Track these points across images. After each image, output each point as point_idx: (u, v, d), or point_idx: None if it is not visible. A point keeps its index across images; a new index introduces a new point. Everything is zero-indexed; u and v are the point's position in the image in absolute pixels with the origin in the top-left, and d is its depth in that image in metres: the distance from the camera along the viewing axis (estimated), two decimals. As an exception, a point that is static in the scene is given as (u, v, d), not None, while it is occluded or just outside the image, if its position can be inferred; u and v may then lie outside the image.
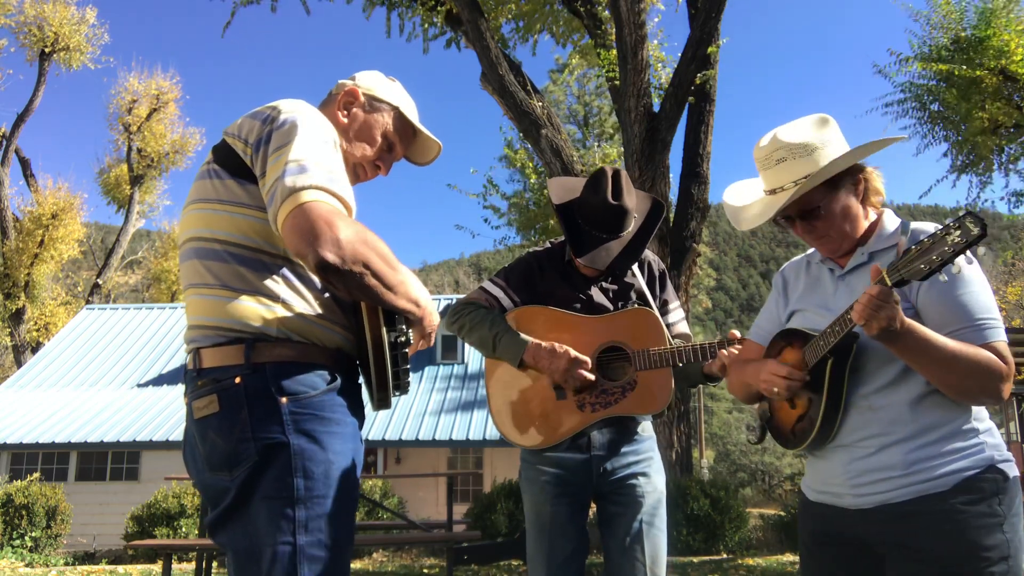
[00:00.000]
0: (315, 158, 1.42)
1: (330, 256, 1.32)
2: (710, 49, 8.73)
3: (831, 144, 1.71)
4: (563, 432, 2.32)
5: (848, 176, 1.72)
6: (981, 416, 1.62)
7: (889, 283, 1.44)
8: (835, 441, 1.70)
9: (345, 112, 1.70)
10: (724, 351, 2.19)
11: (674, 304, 2.54)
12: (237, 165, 1.51)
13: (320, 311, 1.51)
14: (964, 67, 8.03)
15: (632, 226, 2.41)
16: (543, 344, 2.30)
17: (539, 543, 2.32)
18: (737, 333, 2.23)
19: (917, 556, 1.55)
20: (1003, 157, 9.11)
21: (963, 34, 8.34)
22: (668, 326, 2.46)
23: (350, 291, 1.39)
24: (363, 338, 1.48)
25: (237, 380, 1.42)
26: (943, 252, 1.35)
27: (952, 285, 1.57)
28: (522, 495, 2.44)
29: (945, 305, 1.58)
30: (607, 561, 2.33)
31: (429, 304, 1.54)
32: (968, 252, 1.35)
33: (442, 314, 2.90)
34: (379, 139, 1.73)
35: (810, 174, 1.67)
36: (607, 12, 9.80)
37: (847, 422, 1.67)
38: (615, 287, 2.45)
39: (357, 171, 1.73)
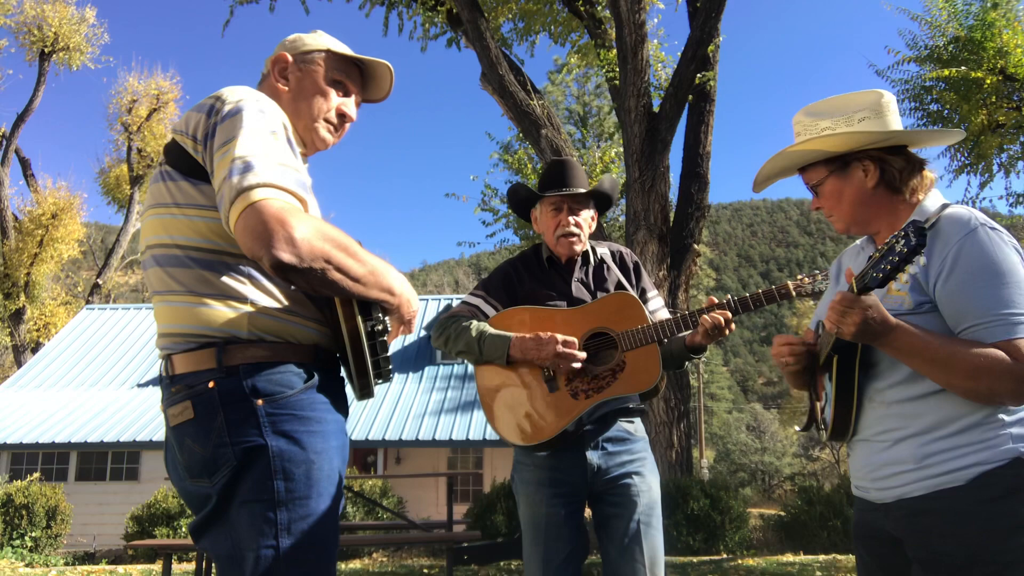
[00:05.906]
0: (262, 152, 1.36)
1: (285, 256, 1.27)
2: (709, 48, 8.73)
3: (891, 120, 1.68)
4: (561, 423, 2.31)
5: (857, 161, 1.69)
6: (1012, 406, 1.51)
7: (855, 289, 1.43)
8: (857, 435, 1.69)
9: (283, 80, 1.65)
10: (706, 316, 2.24)
11: (652, 293, 2.58)
12: (189, 165, 1.46)
13: (291, 307, 1.47)
14: (964, 68, 8.03)
15: (586, 187, 2.55)
16: (527, 335, 2.33)
17: (535, 545, 2.31)
18: (715, 299, 2.30)
19: (929, 554, 1.51)
20: (1003, 157, 9.10)
21: (962, 34, 8.33)
22: (650, 314, 2.48)
23: (313, 288, 1.36)
24: (339, 330, 1.44)
25: (211, 385, 1.39)
26: (892, 261, 1.35)
27: (972, 278, 1.50)
28: (516, 497, 2.44)
29: (960, 300, 1.50)
30: (605, 564, 2.31)
31: (406, 291, 1.50)
32: (913, 261, 1.34)
33: (441, 314, 2.91)
34: (326, 85, 1.67)
35: (839, 132, 1.65)
36: (607, 12, 9.80)
37: (865, 417, 1.66)
38: (593, 281, 2.51)
39: (326, 128, 1.67)
